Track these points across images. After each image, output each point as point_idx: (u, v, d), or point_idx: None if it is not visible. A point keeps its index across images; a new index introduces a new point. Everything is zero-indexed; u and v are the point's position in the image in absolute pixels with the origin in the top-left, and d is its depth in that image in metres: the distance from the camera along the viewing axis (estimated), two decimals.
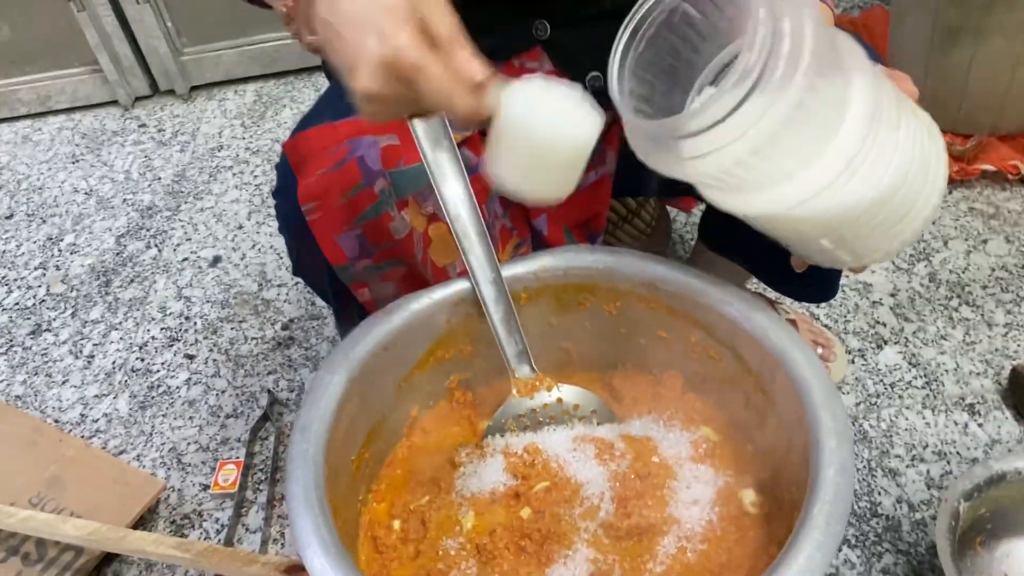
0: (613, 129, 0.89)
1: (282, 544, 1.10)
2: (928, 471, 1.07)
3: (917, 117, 0.57)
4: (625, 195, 1.23)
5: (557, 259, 0.71)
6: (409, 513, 0.66)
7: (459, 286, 0.70)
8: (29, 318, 1.47)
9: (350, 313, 0.88)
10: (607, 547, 0.61)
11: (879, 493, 1.05)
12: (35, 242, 1.64)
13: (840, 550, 0.99)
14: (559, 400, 0.70)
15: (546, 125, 0.52)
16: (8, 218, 1.71)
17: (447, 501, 0.66)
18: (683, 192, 1.14)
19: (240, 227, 1.60)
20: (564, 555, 0.60)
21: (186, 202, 1.68)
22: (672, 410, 0.71)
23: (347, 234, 0.79)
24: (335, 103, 0.85)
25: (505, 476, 0.66)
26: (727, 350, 0.66)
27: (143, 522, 1.12)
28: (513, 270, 0.70)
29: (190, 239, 1.59)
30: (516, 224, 0.93)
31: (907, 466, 1.08)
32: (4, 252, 1.62)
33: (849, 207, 0.52)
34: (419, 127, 0.63)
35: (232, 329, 1.39)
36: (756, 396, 0.65)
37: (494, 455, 0.68)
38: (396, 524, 0.65)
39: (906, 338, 1.23)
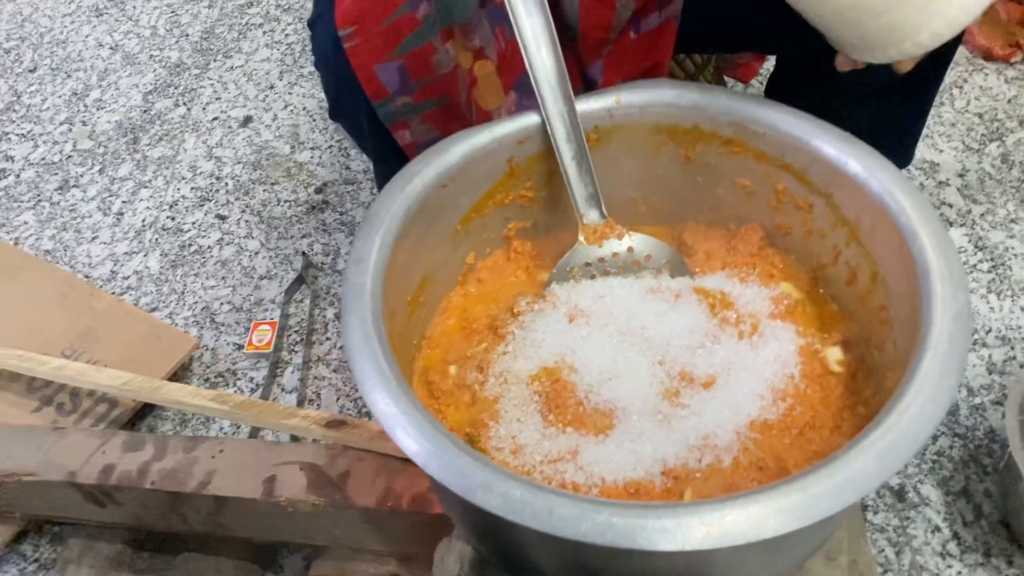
0: None
1: (318, 405, 1.08)
2: (990, 356, 1.02)
3: None
4: (689, 50, 1.15)
5: (635, 94, 0.64)
6: (465, 359, 0.62)
7: (525, 121, 0.64)
8: (56, 173, 1.43)
9: (389, 161, 0.83)
10: (680, 400, 0.57)
11: None
12: (60, 96, 1.58)
13: None
14: (630, 249, 0.65)
15: None
16: (32, 71, 1.64)
17: (506, 349, 0.62)
18: (749, 45, 1.05)
19: (271, 87, 1.53)
20: (632, 404, 0.56)
21: (215, 60, 1.61)
22: (749, 266, 0.65)
23: (387, 64, 0.72)
24: None
25: (569, 324, 0.61)
26: (820, 198, 0.60)
27: (176, 379, 1.10)
28: (586, 105, 0.64)
29: (219, 98, 1.52)
30: (567, 72, 0.86)
31: (968, 350, 1.03)
32: (29, 106, 1.57)
33: None
34: None
35: (264, 191, 1.35)
36: (849, 248, 0.60)
37: (557, 305, 0.63)
38: (452, 370, 0.62)
39: (973, 220, 1.16)
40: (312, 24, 0.76)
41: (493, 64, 0.74)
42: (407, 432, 0.47)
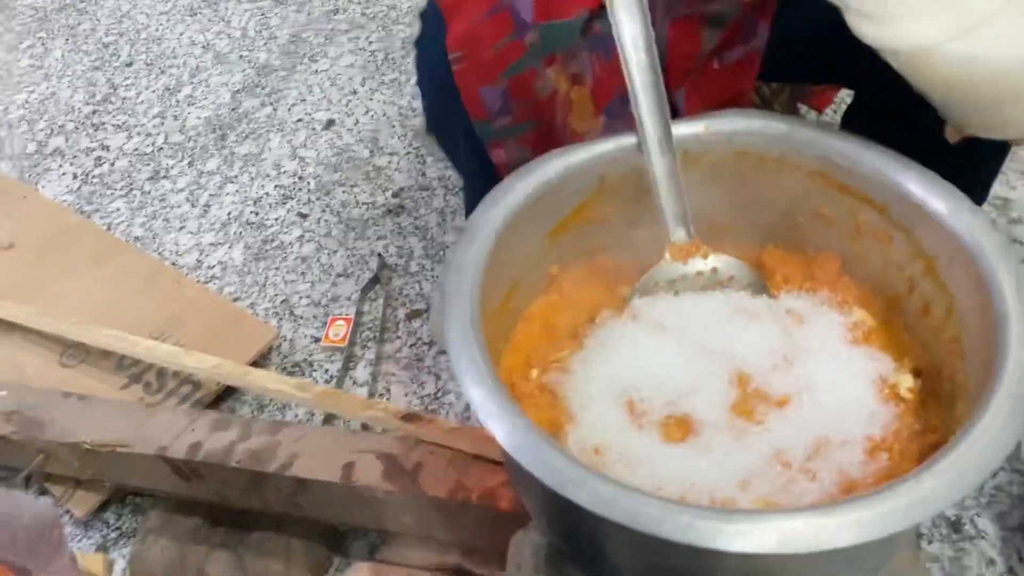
0: (769, 1, 0.84)
1: (388, 399, 1.12)
2: None
3: None
4: (770, 79, 1.17)
5: (724, 122, 0.67)
6: (547, 363, 0.66)
7: (620, 141, 0.67)
8: (148, 164, 1.50)
9: (480, 180, 0.87)
10: (754, 417, 0.60)
11: None
12: (153, 91, 1.66)
13: None
14: (714, 270, 0.68)
15: None
16: (128, 65, 1.73)
17: (588, 356, 0.65)
18: (830, 78, 1.08)
19: (354, 92, 1.59)
20: (707, 418, 0.60)
21: (301, 63, 1.67)
22: (826, 292, 0.68)
23: (491, 87, 0.77)
24: None
25: (649, 337, 0.64)
26: (900, 232, 0.63)
27: (256, 366, 1.15)
28: (676, 129, 0.67)
29: (304, 100, 1.59)
30: None
31: None
32: (125, 99, 1.65)
33: (1002, 53, 0.48)
34: None
35: (344, 192, 1.40)
36: (925, 281, 0.62)
37: (638, 317, 0.67)
38: (534, 373, 0.65)
39: None
40: (420, 44, 0.80)
41: (588, 88, 0.78)
42: (502, 426, 0.51)
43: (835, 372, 0.61)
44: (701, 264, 0.68)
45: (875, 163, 0.62)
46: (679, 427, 0.60)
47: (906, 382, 0.61)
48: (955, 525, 0.93)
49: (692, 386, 0.61)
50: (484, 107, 0.78)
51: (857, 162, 0.63)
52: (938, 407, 0.59)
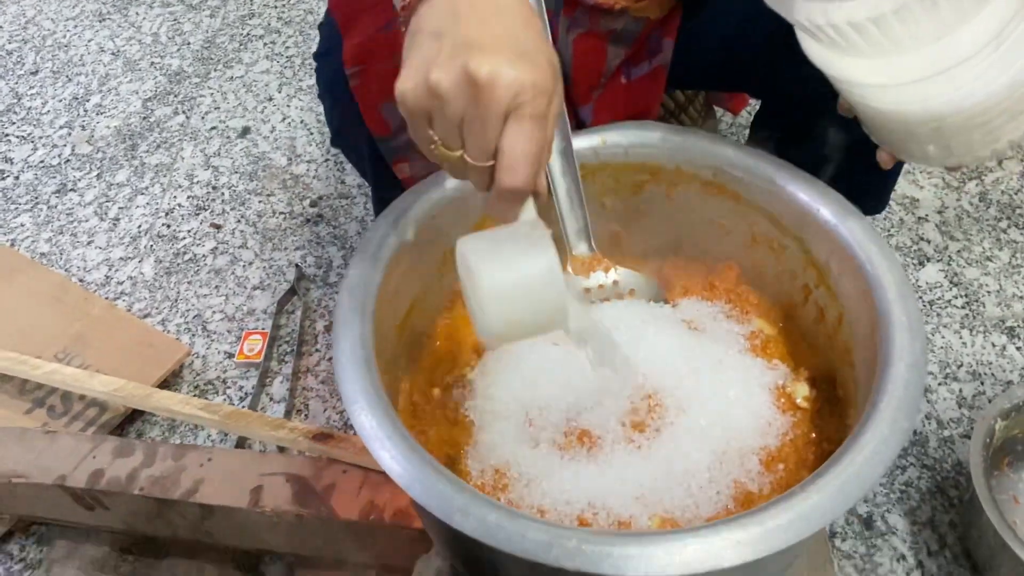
0: (672, 16, 0.84)
1: (305, 415, 1.10)
2: (960, 390, 1.05)
3: None
4: (678, 87, 1.18)
5: (620, 135, 0.67)
6: (450, 382, 0.65)
7: None
8: (54, 176, 1.45)
9: (388, 190, 0.85)
10: (653, 429, 0.59)
11: None
12: (60, 100, 1.60)
13: None
14: (615, 283, 0.68)
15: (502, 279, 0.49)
16: (34, 74, 1.67)
17: (489, 371, 0.64)
18: (736, 87, 1.09)
19: (270, 99, 1.55)
20: (606, 433, 0.59)
21: (215, 70, 1.63)
22: (725, 302, 0.68)
23: (392, 103, 0.75)
24: None
25: (550, 347, 0.64)
26: (793, 241, 0.63)
27: (166, 385, 1.12)
28: (574, 143, 0.66)
29: (219, 108, 1.55)
30: None
31: (939, 384, 1.06)
32: (30, 109, 1.59)
33: (971, 92, 0.49)
34: None
35: (260, 202, 1.37)
36: (819, 290, 0.63)
37: None
38: (436, 392, 0.64)
39: (950, 256, 1.20)
40: (318, 57, 0.78)
41: None
42: (392, 456, 0.49)
43: (732, 383, 0.61)
44: (603, 277, 0.68)
45: (766, 173, 0.63)
46: (578, 442, 0.59)
47: (802, 391, 0.61)
48: (867, 522, 0.94)
49: (591, 400, 0.61)
50: (385, 123, 0.76)
51: (749, 173, 0.64)
52: (833, 415, 0.60)
